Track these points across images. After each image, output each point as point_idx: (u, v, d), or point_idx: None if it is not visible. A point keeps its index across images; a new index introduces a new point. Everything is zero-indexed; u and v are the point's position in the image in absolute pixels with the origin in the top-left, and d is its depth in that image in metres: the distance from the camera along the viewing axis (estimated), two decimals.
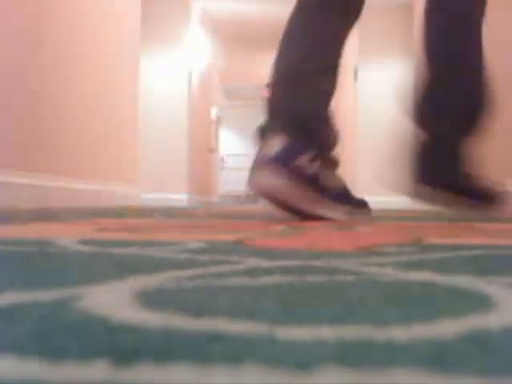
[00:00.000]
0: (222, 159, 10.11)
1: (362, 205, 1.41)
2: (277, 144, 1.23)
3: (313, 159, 1.26)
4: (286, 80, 1.34)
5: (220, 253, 0.49)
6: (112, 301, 0.26)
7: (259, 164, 1.24)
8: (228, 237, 0.69)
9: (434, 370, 0.16)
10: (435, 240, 0.68)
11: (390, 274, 0.36)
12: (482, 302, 0.26)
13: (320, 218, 1.27)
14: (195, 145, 5.71)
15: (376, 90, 5.59)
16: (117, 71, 3.65)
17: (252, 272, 0.36)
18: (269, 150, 1.23)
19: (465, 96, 1.39)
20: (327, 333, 0.20)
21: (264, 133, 1.31)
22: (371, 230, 0.88)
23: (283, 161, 1.22)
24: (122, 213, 1.76)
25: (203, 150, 6.40)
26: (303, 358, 0.17)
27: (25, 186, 2.28)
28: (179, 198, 5.16)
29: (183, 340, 0.19)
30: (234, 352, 0.18)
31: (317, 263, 0.42)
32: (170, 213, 1.87)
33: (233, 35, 7.03)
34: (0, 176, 2.06)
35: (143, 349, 0.18)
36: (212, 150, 7.09)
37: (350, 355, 0.17)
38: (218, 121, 8.21)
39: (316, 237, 0.73)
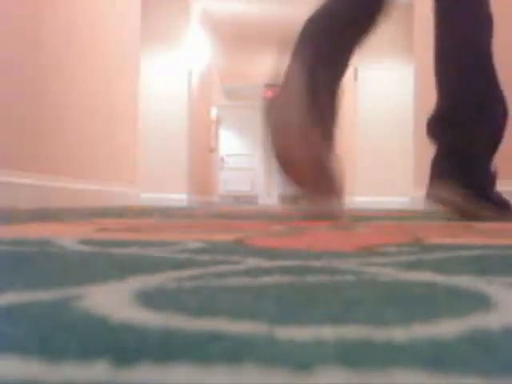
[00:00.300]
0: (222, 159, 10.10)
1: None
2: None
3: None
4: (325, 28, 1.31)
5: (220, 253, 0.49)
6: (112, 301, 0.26)
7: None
8: (228, 237, 0.69)
9: (434, 370, 0.16)
10: (435, 240, 0.68)
11: (390, 273, 0.36)
12: (481, 302, 0.26)
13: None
14: (195, 145, 5.70)
15: (376, 89, 5.59)
16: (117, 71, 3.65)
17: (252, 272, 0.36)
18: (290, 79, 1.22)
19: (485, 115, 1.38)
20: (327, 333, 0.20)
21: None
22: (371, 230, 0.88)
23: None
24: (121, 213, 1.76)
25: (203, 150, 6.40)
26: (303, 358, 0.17)
27: (25, 186, 2.28)
28: (179, 198, 5.16)
29: (183, 340, 0.19)
30: (233, 352, 0.17)
31: (317, 263, 0.41)
32: (169, 213, 1.87)
33: (233, 35, 7.03)
34: (0, 176, 2.06)
35: (143, 349, 0.18)
36: (212, 149, 7.09)
37: (350, 355, 0.17)
38: (218, 121, 8.20)
39: (316, 237, 0.73)
